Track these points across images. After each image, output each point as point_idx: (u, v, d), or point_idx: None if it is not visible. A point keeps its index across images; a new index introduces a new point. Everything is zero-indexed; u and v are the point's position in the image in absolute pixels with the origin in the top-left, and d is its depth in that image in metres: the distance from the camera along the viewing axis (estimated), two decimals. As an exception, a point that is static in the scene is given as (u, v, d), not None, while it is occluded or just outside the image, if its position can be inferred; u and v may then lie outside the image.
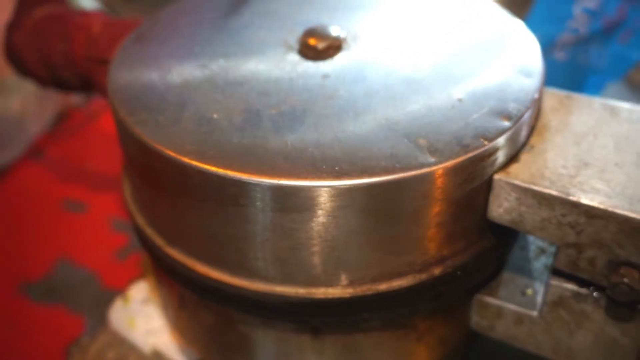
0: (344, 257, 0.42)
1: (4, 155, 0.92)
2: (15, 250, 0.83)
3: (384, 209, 0.40)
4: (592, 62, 0.80)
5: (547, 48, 0.76)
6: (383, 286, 0.43)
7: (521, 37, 0.51)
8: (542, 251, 0.52)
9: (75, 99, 1.02)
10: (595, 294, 0.44)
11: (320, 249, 0.41)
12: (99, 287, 0.80)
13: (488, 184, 0.43)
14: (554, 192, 0.41)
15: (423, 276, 0.44)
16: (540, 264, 0.51)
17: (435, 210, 0.41)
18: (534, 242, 0.53)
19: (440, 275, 0.44)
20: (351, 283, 0.43)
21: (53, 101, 0.98)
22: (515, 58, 0.48)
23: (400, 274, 0.43)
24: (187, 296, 0.49)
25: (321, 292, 0.43)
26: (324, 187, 0.38)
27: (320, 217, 0.39)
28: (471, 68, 0.47)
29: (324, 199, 0.39)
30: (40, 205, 0.90)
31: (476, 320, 0.50)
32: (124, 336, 0.61)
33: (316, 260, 0.42)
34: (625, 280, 0.41)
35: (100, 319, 0.68)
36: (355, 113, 0.42)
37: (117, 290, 0.72)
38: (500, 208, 0.44)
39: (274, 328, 0.46)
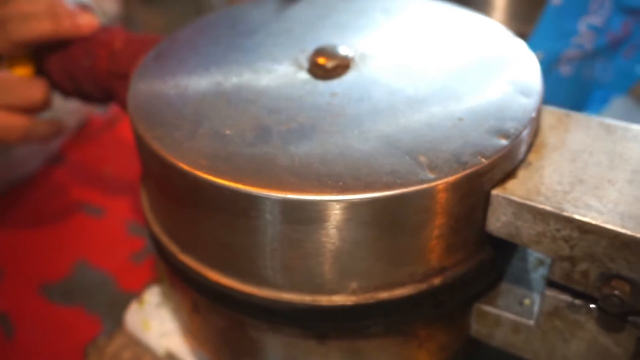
0: (348, 266, 0.44)
1: (32, 163, 0.95)
2: (35, 253, 0.86)
3: (386, 222, 0.42)
4: (597, 76, 0.82)
5: (552, 63, 0.78)
6: (385, 295, 0.45)
7: (522, 56, 0.53)
8: (541, 263, 0.54)
9: (95, 106, 1.05)
10: (588, 305, 0.46)
11: (326, 259, 0.43)
12: (116, 290, 0.82)
13: (486, 199, 0.45)
14: (548, 208, 0.43)
15: (423, 286, 0.46)
16: (538, 275, 0.53)
17: (436, 223, 0.44)
18: (533, 254, 0.55)
19: (440, 285, 0.47)
20: (354, 291, 0.45)
21: (77, 111, 1.00)
22: (516, 77, 0.50)
23: (401, 284, 0.46)
24: (200, 301, 0.52)
25: (326, 300, 0.45)
26: (328, 201, 0.41)
27: (326, 229, 0.42)
28: (472, 87, 0.49)
29: (328, 212, 0.41)
30: (60, 209, 0.93)
31: (475, 328, 0.52)
32: (139, 338, 0.64)
33: (322, 269, 0.44)
34: (616, 292, 0.43)
35: (116, 320, 0.70)
36: (360, 131, 0.45)
37: (133, 293, 0.75)
38: (498, 222, 0.46)
39: (282, 333, 0.49)
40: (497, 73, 0.51)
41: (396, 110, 0.47)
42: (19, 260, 0.84)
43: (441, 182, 0.41)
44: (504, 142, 0.44)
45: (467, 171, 0.42)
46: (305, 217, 0.41)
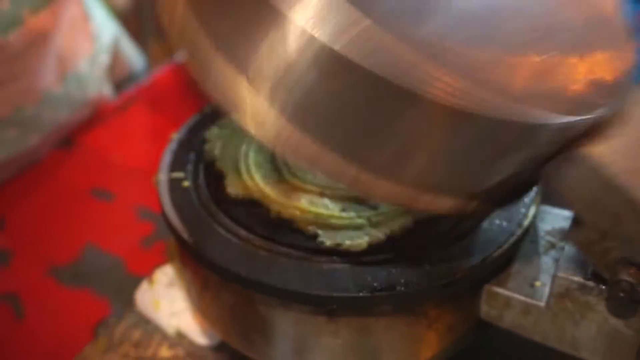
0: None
1: (44, 148, 0.95)
2: (45, 236, 0.86)
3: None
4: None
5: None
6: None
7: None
8: (552, 246, 0.54)
9: (106, 91, 1.05)
10: (600, 286, 0.46)
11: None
12: (124, 273, 0.82)
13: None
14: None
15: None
16: (549, 257, 0.53)
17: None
18: (544, 237, 0.55)
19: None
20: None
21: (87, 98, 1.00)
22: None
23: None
24: (211, 278, 0.52)
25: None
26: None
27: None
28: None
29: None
30: (70, 193, 0.93)
31: (485, 309, 0.52)
32: (149, 317, 0.64)
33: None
34: (629, 279, 0.43)
35: (125, 303, 0.71)
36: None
37: (142, 276, 0.75)
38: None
39: (292, 310, 0.49)
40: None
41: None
42: (29, 243, 0.84)
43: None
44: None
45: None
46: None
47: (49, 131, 0.94)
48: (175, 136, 0.62)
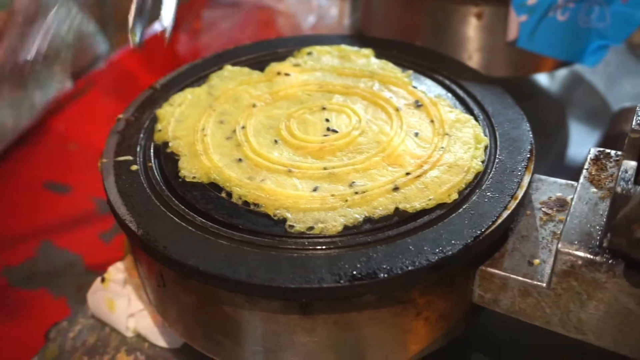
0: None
1: None
2: (-5, 234, 0.79)
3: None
4: (594, 23, 0.76)
5: (548, 8, 0.71)
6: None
7: None
8: (550, 218, 0.48)
9: (67, 86, 0.98)
10: (611, 261, 0.40)
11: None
12: (84, 271, 0.76)
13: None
14: None
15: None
16: (547, 231, 0.47)
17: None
18: (540, 209, 0.49)
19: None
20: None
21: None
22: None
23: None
24: (166, 274, 0.45)
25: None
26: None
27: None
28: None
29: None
30: (21, 188, 0.86)
31: (479, 293, 0.47)
32: (104, 319, 0.57)
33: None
34: None
35: (84, 303, 0.64)
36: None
37: (102, 273, 0.69)
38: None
39: (260, 306, 0.43)
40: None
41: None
42: (-22, 242, 0.78)
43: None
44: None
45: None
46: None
47: (10, 138, 0.87)
48: (122, 116, 0.55)
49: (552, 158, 0.80)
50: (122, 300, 0.56)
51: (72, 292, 0.74)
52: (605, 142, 0.79)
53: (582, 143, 0.81)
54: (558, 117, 0.85)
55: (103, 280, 0.58)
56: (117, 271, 0.58)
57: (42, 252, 0.79)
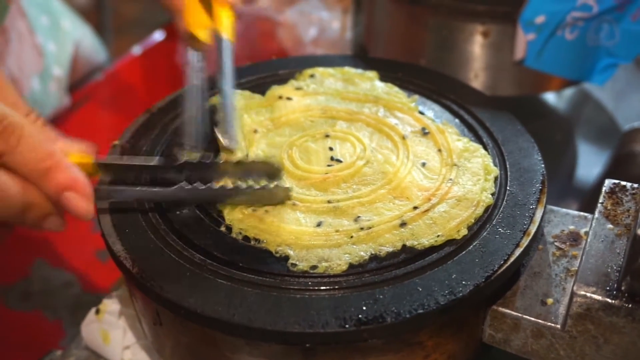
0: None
1: None
2: (-11, 254, 0.77)
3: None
4: (603, 41, 0.74)
5: (556, 27, 0.70)
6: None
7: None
8: (563, 253, 0.46)
9: (64, 103, 0.96)
10: (630, 305, 0.38)
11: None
12: (80, 291, 0.75)
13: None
14: None
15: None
16: (560, 268, 0.45)
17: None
18: (553, 244, 0.47)
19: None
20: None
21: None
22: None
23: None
24: (162, 313, 0.43)
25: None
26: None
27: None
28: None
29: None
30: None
31: (490, 332, 0.45)
32: (98, 351, 0.55)
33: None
34: None
35: (80, 327, 0.62)
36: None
37: (100, 294, 0.67)
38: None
39: (261, 349, 0.40)
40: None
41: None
42: (-30, 262, 0.76)
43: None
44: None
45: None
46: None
47: None
48: (118, 142, 0.53)
49: (560, 179, 0.78)
50: (116, 332, 0.54)
51: (68, 314, 0.72)
52: (614, 163, 0.77)
53: (591, 163, 0.79)
54: (566, 136, 0.84)
55: (97, 311, 0.55)
56: (111, 302, 0.56)
57: (36, 272, 0.77)
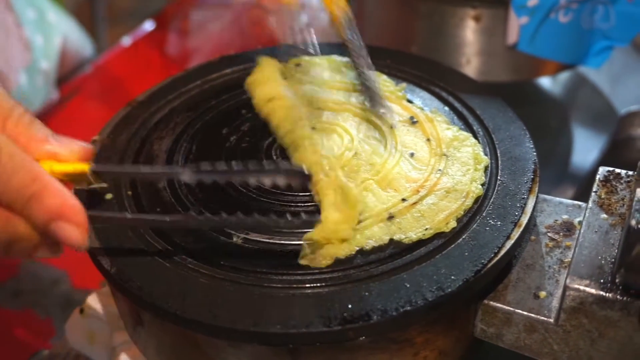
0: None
1: None
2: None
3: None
4: (598, 24, 0.72)
5: (550, 9, 0.68)
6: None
7: None
8: (557, 244, 0.45)
9: (53, 96, 0.95)
10: (625, 298, 0.37)
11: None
12: (70, 288, 0.74)
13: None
14: None
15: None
16: (554, 259, 0.44)
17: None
18: (546, 234, 0.46)
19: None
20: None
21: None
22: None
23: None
24: (143, 314, 0.42)
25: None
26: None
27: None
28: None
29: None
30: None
31: (482, 327, 0.43)
32: (83, 352, 0.54)
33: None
34: None
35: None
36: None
37: (90, 290, 0.66)
38: None
39: (244, 350, 0.39)
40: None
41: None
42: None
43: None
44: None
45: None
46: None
47: None
48: (97, 137, 0.51)
49: (556, 165, 0.76)
50: (102, 332, 0.53)
51: (59, 312, 0.71)
52: (611, 147, 0.75)
53: (587, 148, 0.77)
54: (561, 121, 0.82)
55: (82, 311, 0.54)
56: (96, 301, 0.54)
57: (26, 269, 0.76)
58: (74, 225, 0.37)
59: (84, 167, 0.40)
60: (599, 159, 0.73)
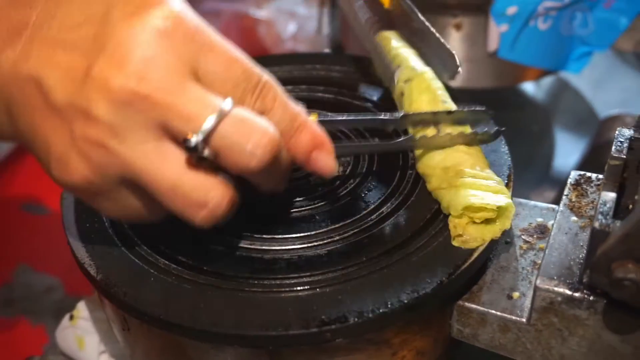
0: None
1: None
2: (-29, 260, 0.77)
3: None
4: (577, 30, 0.74)
5: (528, 17, 0.70)
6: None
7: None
8: (530, 246, 0.46)
9: None
10: (591, 298, 0.39)
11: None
12: (63, 295, 0.75)
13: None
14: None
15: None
16: (527, 261, 0.45)
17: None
18: (520, 237, 0.47)
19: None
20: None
21: None
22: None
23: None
24: (129, 319, 0.43)
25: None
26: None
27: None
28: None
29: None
30: (0, 210, 0.85)
31: (458, 328, 0.45)
32: (73, 358, 0.55)
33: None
34: (632, 276, 0.35)
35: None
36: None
37: (83, 297, 0.67)
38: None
39: (227, 353, 0.41)
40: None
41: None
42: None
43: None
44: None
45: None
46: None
47: None
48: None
49: (537, 168, 0.78)
50: (92, 338, 0.54)
51: (51, 319, 0.72)
52: (592, 151, 0.77)
53: (569, 152, 0.79)
54: (544, 125, 0.84)
55: (72, 317, 0.56)
56: (85, 308, 0.56)
57: (19, 277, 0.77)
58: (327, 154, 0.42)
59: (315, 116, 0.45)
60: (579, 163, 0.75)
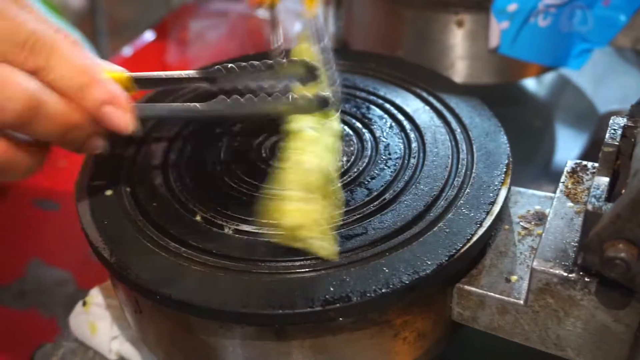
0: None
1: None
2: (-16, 254, 0.79)
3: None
4: (576, 27, 0.75)
5: (528, 14, 0.71)
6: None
7: None
8: (528, 232, 0.48)
9: None
10: (585, 279, 0.40)
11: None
12: (74, 289, 0.76)
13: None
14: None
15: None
16: (525, 246, 0.47)
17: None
18: (519, 223, 0.49)
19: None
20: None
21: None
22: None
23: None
24: (141, 300, 0.45)
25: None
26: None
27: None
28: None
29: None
30: (12, 206, 0.86)
31: (458, 310, 0.46)
32: (86, 343, 0.57)
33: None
34: (622, 255, 0.36)
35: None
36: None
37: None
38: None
39: (235, 332, 0.42)
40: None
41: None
42: (-34, 263, 0.78)
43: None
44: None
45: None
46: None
47: None
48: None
49: (538, 163, 0.79)
50: (104, 323, 0.56)
51: (63, 311, 0.73)
52: (591, 147, 0.78)
53: (569, 148, 0.80)
54: (545, 121, 0.85)
55: (85, 303, 0.57)
56: (98, 294, 0.58)
57: (32, 271, 0.78)
58: (121, 110, 0.42)
59: (124, 74, 0.45)
60: (580, 157, 0.76)
